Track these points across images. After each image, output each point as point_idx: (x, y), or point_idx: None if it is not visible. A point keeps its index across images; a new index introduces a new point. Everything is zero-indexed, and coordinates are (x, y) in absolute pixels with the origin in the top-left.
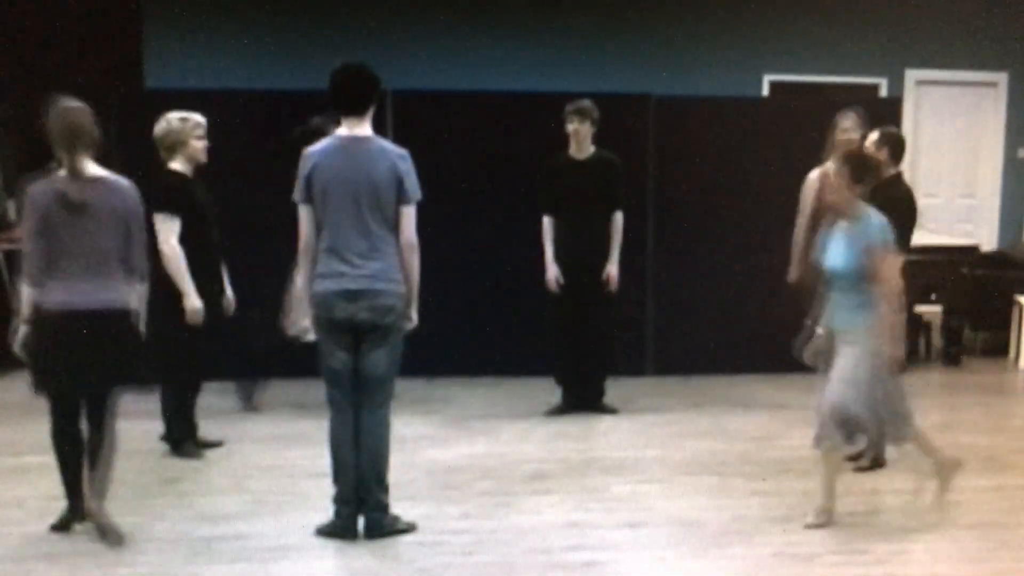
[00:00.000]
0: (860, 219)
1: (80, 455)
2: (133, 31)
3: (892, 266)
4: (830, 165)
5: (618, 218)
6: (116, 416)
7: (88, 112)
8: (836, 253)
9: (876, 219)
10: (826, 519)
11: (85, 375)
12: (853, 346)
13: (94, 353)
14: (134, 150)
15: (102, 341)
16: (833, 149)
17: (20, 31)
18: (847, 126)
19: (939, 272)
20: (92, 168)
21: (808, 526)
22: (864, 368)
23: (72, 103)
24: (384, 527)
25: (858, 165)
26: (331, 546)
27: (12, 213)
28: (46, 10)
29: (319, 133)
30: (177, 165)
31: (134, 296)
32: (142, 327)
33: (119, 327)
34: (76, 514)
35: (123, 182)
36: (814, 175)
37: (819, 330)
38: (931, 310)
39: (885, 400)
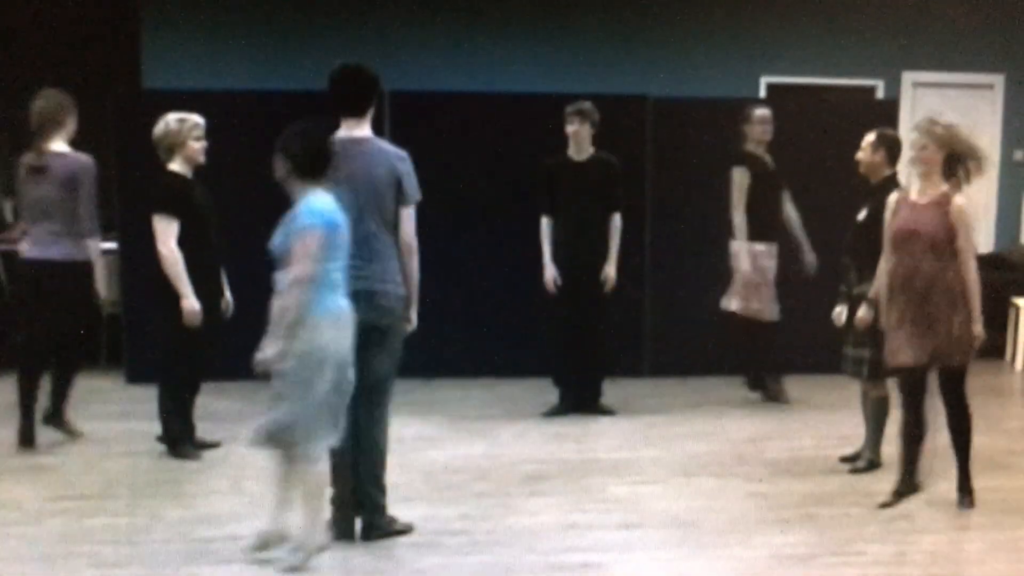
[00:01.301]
0: (301, 202)
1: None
2: (131, 31)
3: (305, 254)
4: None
5: (616, 220)
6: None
7: (55, 100)
8: (276, 234)
9: (310, 204)
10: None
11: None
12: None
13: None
14: (132, 151)
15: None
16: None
17: (18, 31)
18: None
19: None
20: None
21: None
22: (288, 369)
23: (48, 93)
24: (381, 528)
25: (299, 154)
26: (328, 547)
27: (9, 214)
28: (44, 10)
29: None
30: (176, 166)
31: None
32: (99, 279)
33: (68, 278)
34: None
35: (78, 156)
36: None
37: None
38: None
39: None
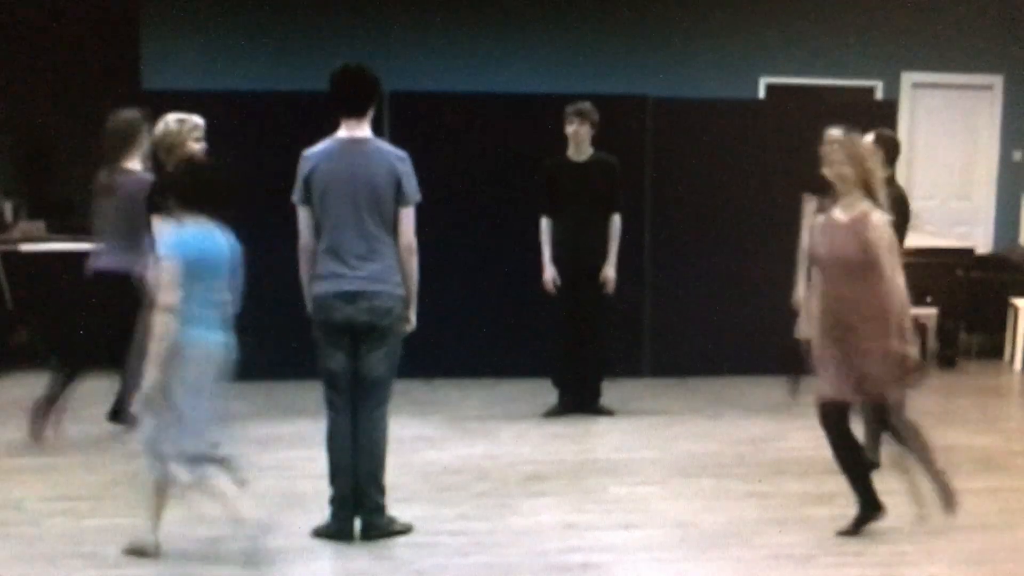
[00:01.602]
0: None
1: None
2: (131, 32)
3: (162, 284)
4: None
5: (616, 220)
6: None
7: (125, 119)
8: None
9: (173, 234)
10: (147, 550)
11: None
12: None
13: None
14: None
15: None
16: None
17: (18, 32)
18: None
19: (934, 274)
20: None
21: (127, 550)
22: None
23: (120, 112)
24: (381, 528)
25: (177, 183)
26: (328, 547)
27: (9, 214)
28: (44, 11)
29: None
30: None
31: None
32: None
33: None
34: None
35: (142, 176)
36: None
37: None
38: (926, 312)
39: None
